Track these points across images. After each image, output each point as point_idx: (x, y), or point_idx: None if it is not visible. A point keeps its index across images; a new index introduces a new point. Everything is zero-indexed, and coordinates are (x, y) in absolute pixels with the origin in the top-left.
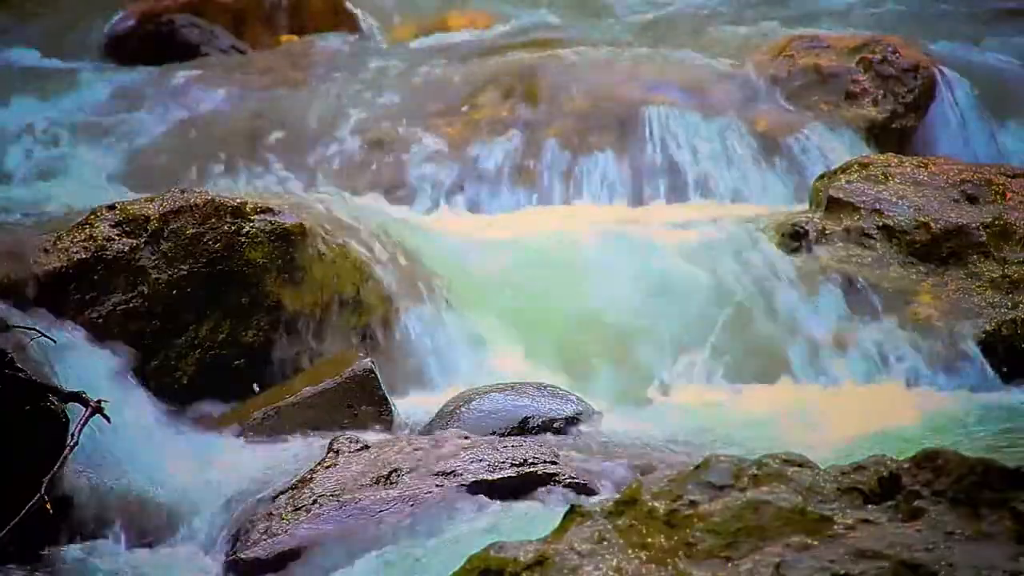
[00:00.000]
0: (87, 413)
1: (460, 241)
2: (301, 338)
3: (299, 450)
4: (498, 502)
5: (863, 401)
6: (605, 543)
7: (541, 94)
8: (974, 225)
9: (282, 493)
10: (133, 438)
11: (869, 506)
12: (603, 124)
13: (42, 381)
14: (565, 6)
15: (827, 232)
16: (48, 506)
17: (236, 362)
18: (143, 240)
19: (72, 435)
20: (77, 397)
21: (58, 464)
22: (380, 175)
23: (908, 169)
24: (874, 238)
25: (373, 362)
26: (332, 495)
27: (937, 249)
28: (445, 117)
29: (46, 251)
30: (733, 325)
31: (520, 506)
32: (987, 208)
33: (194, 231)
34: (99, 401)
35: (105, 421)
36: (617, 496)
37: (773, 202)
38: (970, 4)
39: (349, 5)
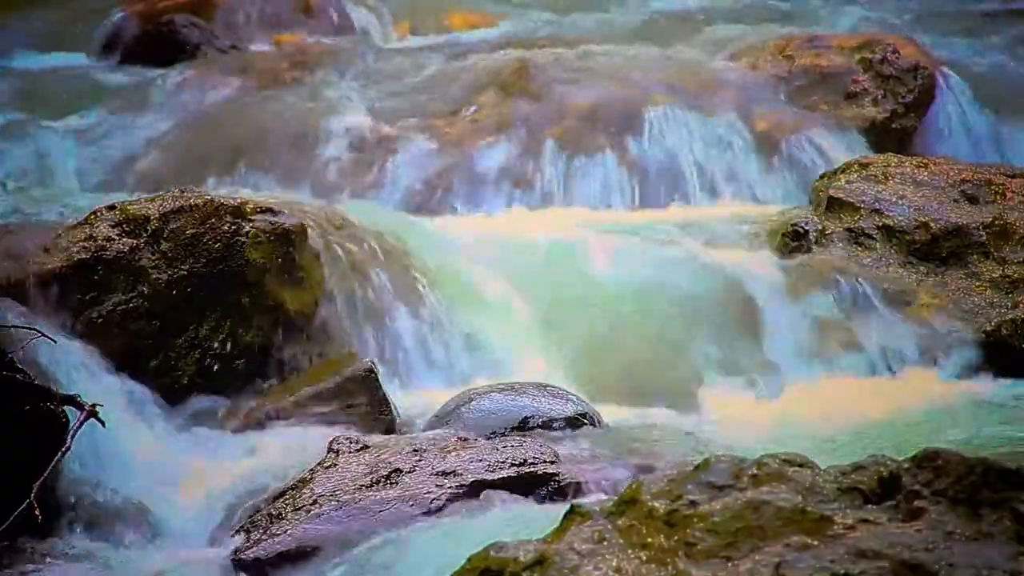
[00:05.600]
0: (82, 417)
1: (460, 241)
2: (301, 338)
3: (299, 450)
4: (498, 502)
5: (863, 401)
6: (605, 543)
7: (541, 94)
8: (974, 225)
9: (282, 493)
10: (133, 438)
11: (869, 506)
12: (603, 124)
13: (38, 383)
14: (565, 5)
15: (827, 232)
16: (37, 511)
17: (236, 362)
18: (143, 240)
19: (65, 439)
20: (72, 400)
21: (49, 468)
22: (379, 175)
23: (908, 169)
24: (874, 238)
25: (373, 362)
26: (332, 495)
27: (937, 249)
28: (445, 117)
29: (46, 251)
30: (732, 325)
31: (520, 506)
32: (987, 208)
33: (194, 231)
34: (94, 405)
35: (100, 425)
36: (617, 496)
37: (773, 202)
38: (970, 4)
39: (348, 4)
